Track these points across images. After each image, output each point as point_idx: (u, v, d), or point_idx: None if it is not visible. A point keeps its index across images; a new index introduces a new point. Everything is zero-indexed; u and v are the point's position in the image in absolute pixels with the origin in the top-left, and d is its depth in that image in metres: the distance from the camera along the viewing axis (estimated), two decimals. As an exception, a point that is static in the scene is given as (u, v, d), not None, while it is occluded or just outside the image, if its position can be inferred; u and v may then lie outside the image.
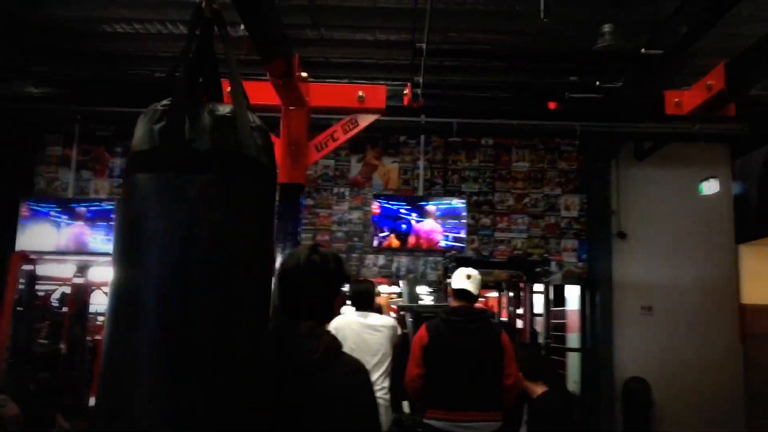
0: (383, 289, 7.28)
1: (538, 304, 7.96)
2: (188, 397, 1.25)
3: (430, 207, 7.70)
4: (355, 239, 8.00)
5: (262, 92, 3.35)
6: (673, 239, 7.75)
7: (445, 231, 7.66)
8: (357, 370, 1.66)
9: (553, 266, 7.83)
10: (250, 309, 1.38)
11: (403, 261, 7.94)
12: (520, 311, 8.13)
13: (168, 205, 1.33)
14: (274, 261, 1.55)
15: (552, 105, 4.84)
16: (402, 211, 7.73)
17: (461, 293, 3.47)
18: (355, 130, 3.52)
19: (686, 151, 7.71)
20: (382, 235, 7.73)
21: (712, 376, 7.42)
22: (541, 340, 7.34)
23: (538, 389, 3.57)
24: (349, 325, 3.86)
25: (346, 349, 3.44)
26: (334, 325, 3.77)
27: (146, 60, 6.68)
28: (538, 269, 7.58)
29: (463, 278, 3.50)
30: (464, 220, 7.66)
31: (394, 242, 7.72)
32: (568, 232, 7.95)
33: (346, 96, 3.51)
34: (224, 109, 1.43)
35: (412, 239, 7.68)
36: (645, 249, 7.78)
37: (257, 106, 3.39)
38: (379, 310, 4.13)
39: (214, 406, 1.26)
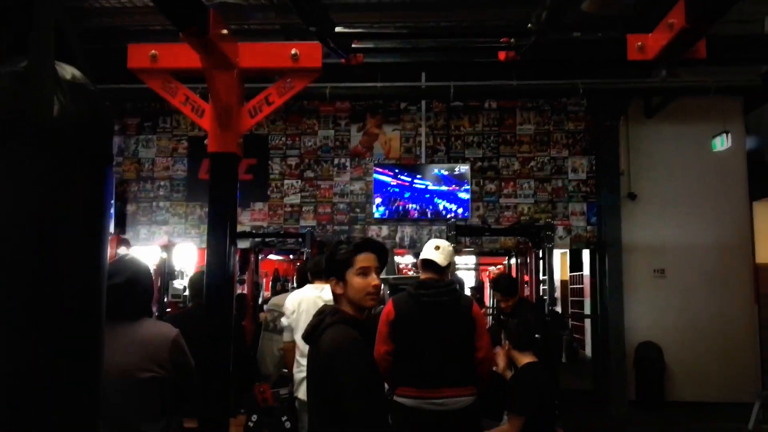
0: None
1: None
2: None
3: (433, 175, 7.64)
4: (357, 210, 7.89)
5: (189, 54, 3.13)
6: (685, 199, 7.55)
7: (449, 199, 7.61)
8: None
9: (561, 231, 7.68)
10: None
11: (407, 230, 7.83)
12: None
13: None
14: (83, 254, 1.19)
15: (502, 55, 4.54)
16: (404, 179, 7.68)
17: (428, 264, 3.36)
18: (291, 93, 3.29)
19: (697, 105, 7.45)
20: (383, 204, 7.64)
21: (725, 339, 7.27)
22: (547, 308, 7.21)
23: (525, 359, 3.45)
24: (306, 299, 3.78)
25: (303, 323, 3.32)
26: (298, 298, 3.73)
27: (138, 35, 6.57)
28: (542, 234, 7.42)
29: (431, 249, 3.39)
30: (468, 187, 7.61)
31: (397, 212, 7.66)
32: (575, 196, 7.77)
33: (279, 55, 3.24)
34: (19, 63, 1.16)
35: (415, 208, 7.65)
36: (656, 210, 7.59)
37: (183, 71, 3.22)
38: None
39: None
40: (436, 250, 3.36)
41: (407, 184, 7.66)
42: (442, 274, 3.37)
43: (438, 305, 3.25)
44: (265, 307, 7.18)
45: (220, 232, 3.17)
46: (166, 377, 2.24)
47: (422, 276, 3.43)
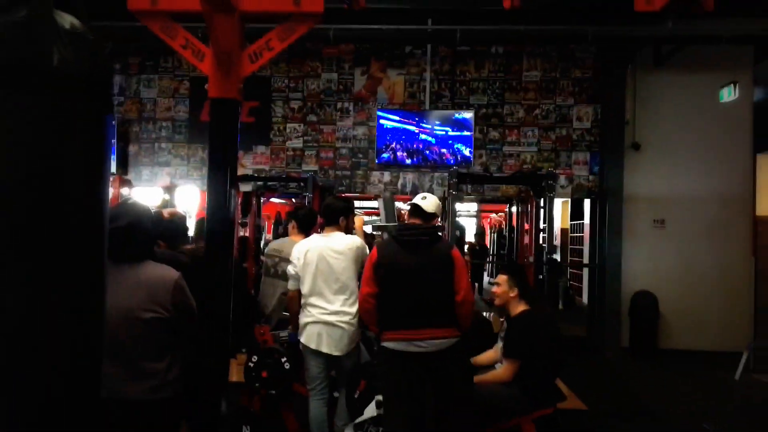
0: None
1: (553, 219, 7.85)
2: None
3: (437, 121, 7.62)
4: (360, 156, 7.89)
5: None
6: (689, 149, 7.51)
7: (453, 145, 7.61)
8: None
9: (563, 180, 7.68)
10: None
11: (409, 177, 7.84)
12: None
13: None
14: (86, 199, 1.22)
15: (507, 3, 4.42)
16: (408, 125, 7.64)
17: (414, 209, 3.44)
18: (292, 37, 3.25)
19: (706, 55, 7.33)
20: (386, 150, 7.62)
21: (721, 290, 7.38)
22: (545, 256, 7.28)
23: (519, 307, 3.56)
24: (314, 248, 3.78)
25: (309, 273, 3.51)
26: (305, 248, 3.77)
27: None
28: (543, 183, 7.42)
29: (419, 197, 3.47)
30: (472, 134, 7.59)
31: (400, 158, 7.66)
32: (579, 145, 7.74)
33: (280, -1, 3.21)
34: (19, 12, 1.15)
35: (418, 154, 7.65)
36: (659, 160, 7.56)
37: (183, 13, 3.18)
38: (348, 230, 4.06)
39: None
40: (423, 199, 3.44)
41: (411, 130, 7.63)
42: (427, 222, 3.42)
43: (417, 245, 3.30)
44: (265, 251, 7.27)
45: (220, 179, 3.20)
46: (167, 318, 2.29)
47: (408, 221, 3.49)
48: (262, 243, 9.06)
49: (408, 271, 3.26)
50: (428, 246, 3.32)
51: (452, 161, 7.56)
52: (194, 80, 8.00)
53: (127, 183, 7.48)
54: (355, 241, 3.83)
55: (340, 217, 3.89)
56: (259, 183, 7.71)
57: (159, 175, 8.07)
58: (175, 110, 8.11)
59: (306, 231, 4.49)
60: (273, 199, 10.07)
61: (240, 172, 7.44)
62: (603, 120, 7.68)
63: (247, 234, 7.53)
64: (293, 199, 9.91)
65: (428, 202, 3.44)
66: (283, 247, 4.75)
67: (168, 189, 7.86)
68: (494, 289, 3.71)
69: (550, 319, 3.81)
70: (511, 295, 3.59)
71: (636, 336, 7.39)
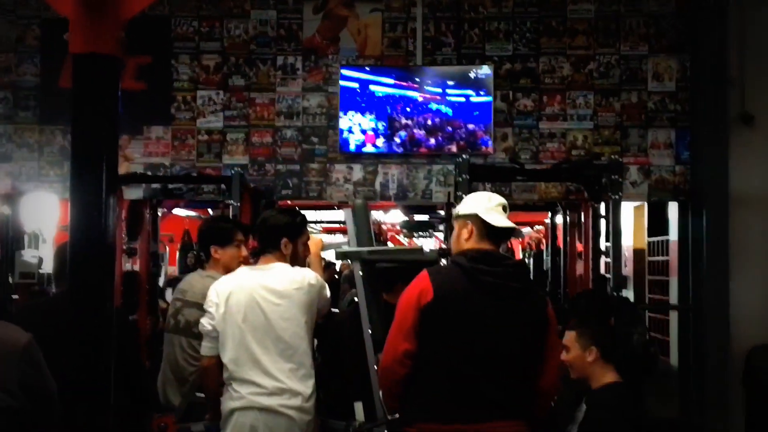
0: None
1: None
2: None
3: (435, 83, 7.56)
4: (315, 140, 7.80)
5: None
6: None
7: (460, 121, 7.57)
8: None
9: (635, 173, 7.64)
10: None
11: (393, 172, 7.76)
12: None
13: None
14: None
15: None
16: (389, 89, 7.60)
17: (494, 230, 3.45)
18: None
19: None
20: (355, 130, 7.58)
21: None
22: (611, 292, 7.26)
23: (608, 376, 3.69)
24: (241, 288, 3.81)
25: (233, 329, 3.73)
26: (226, 288, 3.80)
27: None
28: (604, 179, 7.42)
29: (496, 204, 3.49)
30: (491, 102, 7.55)
31: (378, 142, 7.61)
32: (658, 118, 7.71)
33: None
34: None
35: (406, 137, 7.60)
36: (784, 140, 7.45)
37: None
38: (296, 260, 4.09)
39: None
40: (504, 211, 3.48)
41: (394, 97, 7.57)
42: (499, 247, 3.51)
43: (507, 293, 3.32)
44: (167, 292, 7.15)
45: (88, 182, 3.09)
46: (15, 408, 2.29)
47: (470, 244, 3.48)
48: (161, 280, 9.01)
49: (486, 327, 3.27)
50: (522, 295, 3.37)
51: (459, 145, 7.57)
52: (48, 25, 7.85)
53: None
54: (305, 276, 3.89)
55: (282, 239, 3.98)
56: (155, 186, 7.71)
57: None
58: (18, 72, 7.94)
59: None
60: (177, 211, 10.01)
61: (124, 168, 7.52)
62: (694, 78, 7.62)
63: (136, 267, 7.63)
64: (209, 210, 9.98)
65: (506, 204, 3.53)
66: (190, 285, 4.80)
67: (8, 198, 7.72)
68: (563, 356, 3.83)
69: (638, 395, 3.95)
70: (589, 359, 3.73)
71: (756, 415, 7.35)
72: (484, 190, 7.56)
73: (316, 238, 5.01)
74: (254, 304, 3.74)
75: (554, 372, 3.36)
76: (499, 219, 3.45)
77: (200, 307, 4.29)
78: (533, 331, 3.33)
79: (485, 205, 3.48)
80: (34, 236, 8.20)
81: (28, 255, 7.47)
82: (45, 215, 8.16)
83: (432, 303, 3.29)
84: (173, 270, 9.43)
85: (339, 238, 10.38)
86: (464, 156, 6.89)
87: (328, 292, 4.19)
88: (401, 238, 17.67)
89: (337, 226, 13.41)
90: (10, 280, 7.17)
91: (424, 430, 3.24)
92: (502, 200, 3.53)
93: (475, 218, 3.46)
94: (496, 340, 3.27)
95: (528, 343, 3.32)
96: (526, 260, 16.03)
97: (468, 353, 3.27)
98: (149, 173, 7.74)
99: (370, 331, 3.92)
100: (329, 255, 7.55)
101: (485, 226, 3.44)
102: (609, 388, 3.64)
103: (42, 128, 7.96)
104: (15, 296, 7.15)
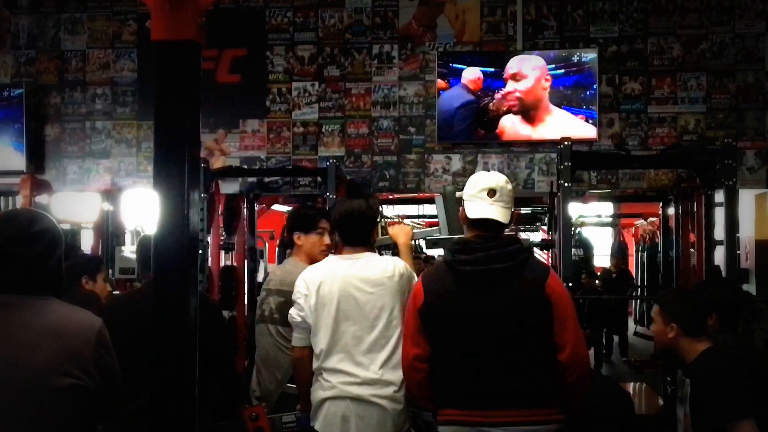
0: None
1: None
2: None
3: (536, 68, 7.54)
4: (411, 130, 7.86)
5: None
6: None
7: (564, 107, 7.55)
8: None
9: (753, 158, 7.53)
10: None
11: (494, 161, 7.79)
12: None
13: None
14: None
15: None
16: (489, 76, 7.60)
17: (472, 207, 3.38)
18: None
19: None
20: (454, 118, 7.59)
21: None
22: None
23: (700, 346, 3.67)
24: (333, 277, 3.81)
25: (326, 319, 3.76)
26: (317, 278, 3.80)
27: None
28: (718, 165, 7.24)
29: (478, 190, 3.37)
30: (596, 87, 7.51)
31: (479, 132, 7.65)
32: (778, 98, 7.55)
33: None
34: None
35: (506, 124, 7.59)
36: None
37: None
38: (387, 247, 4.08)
39: None
40: (490, 196, 3.34)
41: (493, 84, 7.57)
42: (500, 231, 3.41)
43: (492, 278, 3.28)
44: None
45: (170, 174, 3.09)
46: (90, 387, 2.34)
47: (467, 234, 3.47)
48: (262, 275, 9.04)
49: (475, 319, 3.27)
50: (508, 276, 3.30)
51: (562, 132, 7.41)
52: (144, 19, 7.96)
53: (43, 186, 7.62)
54: (396, 265, 3.86)
55: (371, 231, 4.03)
56: (252, 180, 7.81)
57: (93, 173, 8.16)
58: (116, 68, 8.19)
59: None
60: (277, 207, 10.08)
61: (220, 162, 7.74)
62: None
63: (234, 263, 7.71)
64: (309, 204, 9.98)
65: (500, 201, 3.36)
66: (273, 273, 4.91)
67: (108, 194, 7.95)
68: (651, 327, 3.94)
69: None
70: (670, 335, 3.72)
71: None
72: (590, 181, 7.80)
73: (406, 226, 5.08)
74: (347, 293, 3.73)
75: (573, 345, 3.24)
76: (480, 207, 3.34)
77: (281, 293, 4.45)
78: (529, 309, 3.25)
79: (469, 191, 3.42)
80: (136, 233, 8.27)
81: (128, 251, 7.49)
82: (145, 211, 8.24)
83: (425, 305, 3.33)
84: (273, 267, 9.50)
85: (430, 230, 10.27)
86: (567, 143, 6.80)
87: (416, 279, 4.07)
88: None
89: (432, 220, 13.23)
90: (111, 275, 7.18)
91: (447, 416, 3.27)
92: (491, 183, 3.38)
93: (462, 208, 3.46)
94: (489, 329, 3.25)
95: (526, 323, 3.25)
96: (640, 254, 15.95)
97: (466, 347, 3.28)
98: (245, 167, 7.90)
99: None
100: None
101: (465, 207, 3.42)
102: (703, 355, 3.61)
103: (140, 124, 8.19)
104: (116, 292, 7.25)
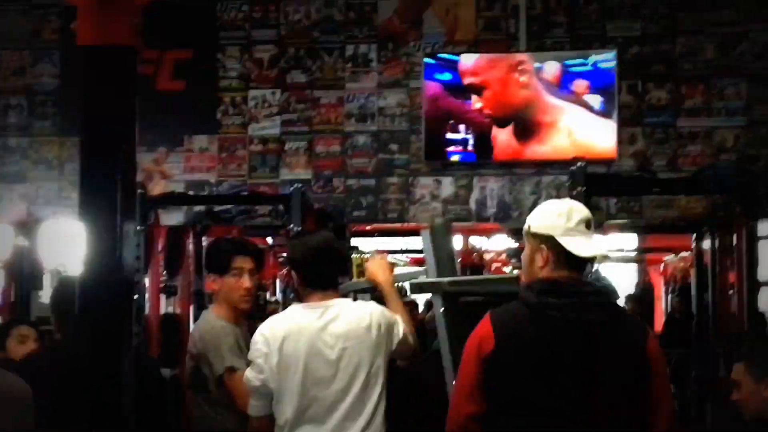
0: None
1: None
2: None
3: (544, 73, 7.30)
4: (393, 147, 7.50)
5: None
6: None
7: (575, 121, 7.30)
8: None
9: (800, 183, 7.36)
10: None
11: (492, 186, 7.42)
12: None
13: None
14: None
15: None
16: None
17: (570, 257, 3.17)
18: None
19: None
20: (444, 132, 7.32)
21: None
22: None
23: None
24: (299, 331, 3.72)
25: (292, 384, 3.75)
26: (279, 333, 3.72)
27: None
28: (761, 190, 6.89)
29: (578, 222, 3.21)
30: (613, 96, 7.25)
31: (474, 150, 7.47)
32: (831, 109, 7.42)
33: None
34: None
35: (507, 142, 7.32)
36: None
37: None
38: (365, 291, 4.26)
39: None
40: (580, 225, 3.22)
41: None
42: (582, 272, 3.32)
43: (585, 330, 3.12)
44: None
45: (98, 203, 3.31)
46: None
47: (545, 273, 3.24)
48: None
49: (560, 375, 3.10)
50: (603, 329, 3.14)
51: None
52: (68, 15, 7.53)
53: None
54: (372, 313, 3.84)
55: (341, 271, 4.09)
56: (199, 208, 7.53)
57: (5, 201, 7.70)
58: (34, 73, 7.73)
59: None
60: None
61: (159, 188, 7.51)
62: None
63: (177, 309, 7.72)
64: (268, 239, 10.29)
65: (589, 234, 3.25)
66: (192, 334, 4.82)
67: (23, 227, 7.62)
68: (734, 395, 3.87)
69: None
70: (766, 393, 3.66)
71: None
72: (607, 210, 7.48)
73: (383, 260, 4.88)
74: (316, 351, 3.70)
75: (667, 419, 3.11)
76: (582, 244, 3.22)
77: (191, 357, 4.34)
78: (625, 373, 3.11)
79: (563, 224, 3.23)
80: (57, 273, 8.05)
81: (47, 296, 7.20)
82: (68, 246, 7.83)
83: (494, 352, 3.15)
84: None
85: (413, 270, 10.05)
86: (580, 163, 6.34)
87: (401, 329, 4.00)
88: (508, 269, 17.47)
89: (416, 256, 13.51)
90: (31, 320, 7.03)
91: None
92: (585, 213, 3.29)
93: (552, 241, 3.21)
94: (575, 392, 3.10)
95: (618, 389, 3.09)
96: (670, 296, 16.42)
97: (542, 411, 3.11)
98: (191, 193, 7.59)
99: (454, 383, 3.76)
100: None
101: (564, 252, 3.19)
102: None
103: (63, 141, 7.75)
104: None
